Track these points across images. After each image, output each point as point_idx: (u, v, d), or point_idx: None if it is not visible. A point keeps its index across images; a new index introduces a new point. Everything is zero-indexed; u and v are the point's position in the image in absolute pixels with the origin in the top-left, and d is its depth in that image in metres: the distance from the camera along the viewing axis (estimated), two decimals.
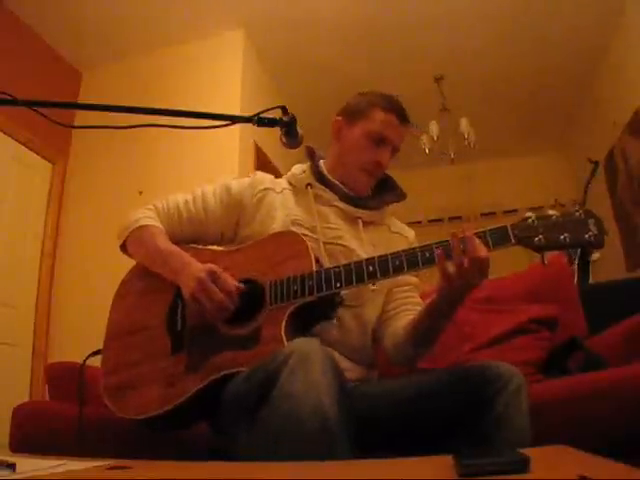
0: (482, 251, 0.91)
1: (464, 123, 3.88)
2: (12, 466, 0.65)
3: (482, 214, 5.07)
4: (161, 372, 1.08)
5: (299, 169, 1.31)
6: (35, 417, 1.43)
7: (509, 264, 2.45)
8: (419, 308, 1.22)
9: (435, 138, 3.94)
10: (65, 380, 1.54)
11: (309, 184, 1.26)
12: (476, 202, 5.03)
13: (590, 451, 0.56)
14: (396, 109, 1.24)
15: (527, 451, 0.52)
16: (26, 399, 2.87)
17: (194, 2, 3.31)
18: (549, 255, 0.96)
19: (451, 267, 0.93)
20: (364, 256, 1.15)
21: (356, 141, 1.24)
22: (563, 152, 5.12)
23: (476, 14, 3.49)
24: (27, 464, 0.70)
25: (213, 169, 3.16)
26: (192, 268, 1.07)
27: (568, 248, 0.93)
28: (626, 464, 0.49)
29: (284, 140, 1.12)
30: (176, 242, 1.20)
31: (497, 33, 3.68)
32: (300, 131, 1.11)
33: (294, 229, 1.16)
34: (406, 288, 1.25)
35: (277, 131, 1.11)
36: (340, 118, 1.29)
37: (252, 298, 1.06)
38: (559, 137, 4.97)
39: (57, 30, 3.43)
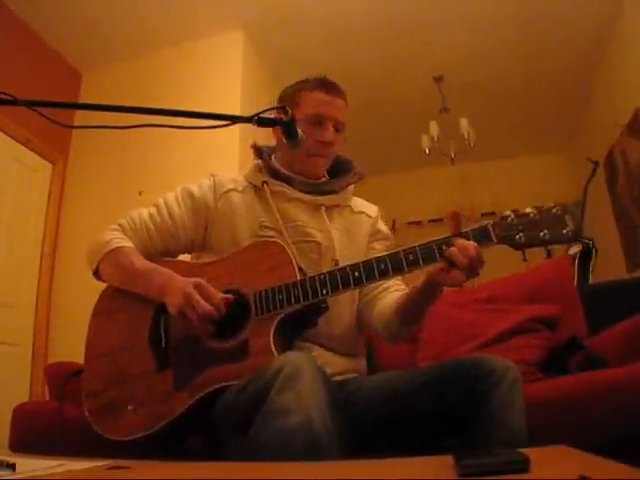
0: (471, 244, 0.94)
1: (464, 123, 3.88)
2: (12, 466, 0.65)
3: (482, 214, 5.06)
4: (146, 391, 1.05)
5: (253, 166, 1.30)
6: (35, 417, 1.43)
7: (509, 264, 2.45)
8: (398, 283, 1.24)
9: (435, 138, 3.95)
10: (65, 380, 1.53)
11: (265, 182, 1.24)
12: (476, 202, 5.03)
13: (590, 451, 0.56)
14: (322, 84, 1.24)
15: (527, 451, 0.52)
16: (26, 399, 2.87)
17: (194, 2, 3.31)
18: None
19: (458, 267, 0.94)
20: (330, 245, 1.17)
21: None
22: (563, 152, 5.12)
23: (476, 15, 3.49)
24: (27, 464, 0.70)
25: (213, 169, 3.11)
26: (178, 283, 1.05)
27: (547, 245, 0.95)
28: (626, 464, 0.49)
29: (284, 140, 1.12)
30: (149, 258, 1.17)
31: (497, 33, 3.68)
32: (300, 131, 1.11)
33: (262, 233, 1.16)
34: None
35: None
36: (275, 113, 1.26)
37: (236, 310, 1.04)
38: (559, 137, 4.97)
39: (57, 30, 3.43)
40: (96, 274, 1.22)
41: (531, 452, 0.52)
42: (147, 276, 1.12)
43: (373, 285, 1.20)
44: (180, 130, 1.03)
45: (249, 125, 1.06)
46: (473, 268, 0.94)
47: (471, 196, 5.02)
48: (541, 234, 0.93)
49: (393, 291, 1.22)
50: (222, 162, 3.20)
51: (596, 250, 2.72)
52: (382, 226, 1.33)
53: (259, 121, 1.05)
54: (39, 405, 1.78)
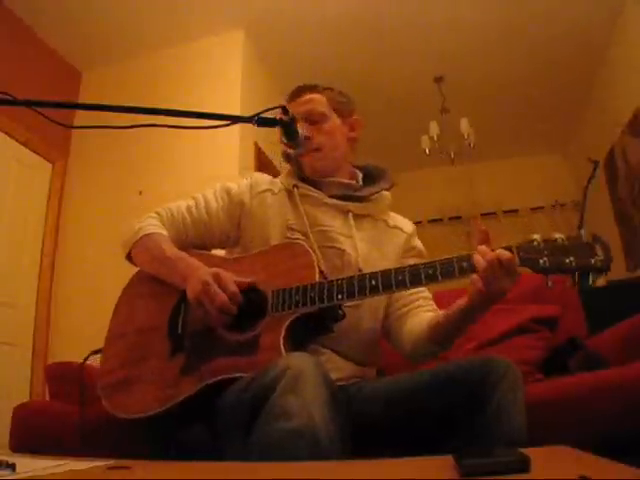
0: (504, 255, 0.91)
1: (464, 123, 3.88)
2: (12, 466, 0.65)
3: (482, 214, 5.07)
4: (158, 373, 1.08)
5: (286, 171, 1.33)
6: (35, 417, 1.43)
7: None
8: (431, 302, 1.22)
9: (435, 138, 3.95)
10: (65, 380, 1.54)
11: (295, 185, 1.26)
12: (476, 202, 5.03)
13: (590, 451, 0.56)
14: (290, 95, 1.30)
15: (527, 451, 0.52)
16: (26, 399, 2.87)
17: (194, 2, 3.31)
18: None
19: (479, 274, 0.93)
20: (354, 254, 1.16)
21: None
22: (563, 152, 5.13)
23: (476, 15, 3.49)
24: (27, 464, 0.70)
25: (213, 169, 3.15)
26: (199, 271, 1.08)
27: (574, 272, 0.90)
28: (626, 464, 0.49)
29: (284, 140, 1.12)
30: (182, 248, 1.20)
31: (497, 34, 3.68)
32: (300, 131, 1.11)
33: (289, 235, 1.18)
34: None
35: (277, 131, 1.11)
36: None
37: (254, 306, 1.06)
38: (559, 137, 4.97)
39: (57, 30, 3.43)
40: (129, 258, 1.25)
41: (531, 452, 0.52)
42: (173, 263, 1.15)
43: (403, 301, 1.22)
44: (180, 130, 1.03)
45: (249, 125, 1.06)
46: (493, 273, 0.91)
47: (471, 196, 5.03)
48: (567, 260, 0.89)
49: (425, 311, 1.20)
50: (222, 162, 3.20)
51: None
52: (417, 243, 1.32)
53: (259, 121, 1.05)
54: (39, 405, 1.78)
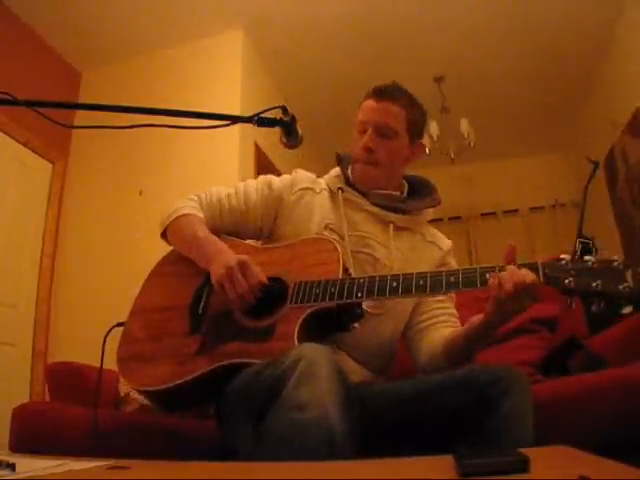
0: (529, 277, 0.90)
1: (464, 123, 3.88)
2: (12, 466, 0.65)
3: (482, 214, 5.07)
4: (174, 350, 1.10)
5: (334, 172, 1.32)
6: (35, 417, 1.43)
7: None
8: (455, 320, 1.22)
9: (435, 138, 3.94)
10: (65, 380, 1.54)
11: (340, 188, 1.26)
12: (476, 202, 5.03)
13: (590, 451, 0.56)
14: (372, 92, 1.23)
15: (527, 451, 0.52)
16: (26, 399, 2.86)
17: (194, 2, 3.31)
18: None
19: (503, 294, 0.90)
20: (388, 265, 1.16)
21: (352, 138, 1.27)
22: (563, 152, 5.12)
23: (476, 15, 3.49)
24: (27, 464, 0.70)
25: (213, 169, 3.16)
26: (225, 256, 1.09)
27: (599, 297, 0.87)
28: (626, 464, 0.49)
29: (284, 140, 1.12)
30: (216, 233, 1.22)
31: (497, 33, 3.68)
32: (300, 131, 1.11)
33: (326, 233, 1.18)
34: (442, 298, 1.23)
35: (277, 131, 1.11)
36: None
37: (276, 296, 1.08)
38: (559, 137, 4.96)
39: (57, 30, 3.43)
40: (164, 236, 1.27)
41: (531, 452, 0.52)
42: (203, 245, 1.16)
43: (428, 315, 1.21)
44: (180, 130, 1.03)
45: (249, 125, 1.06)
46: (516, 295, 0.89)
47: (471, 196, 5.03)
48: (594, 284, 0.86)
49: (447, 326, 1.19)
50: (222, 162, 3.20)
51: (596, 250, 2.72)
52: (452, 260, 1.31)
53: (259, 121, 1.06)
54: (39, 405, 1.78)
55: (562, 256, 0.91)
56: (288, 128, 1.09)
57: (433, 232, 1.33)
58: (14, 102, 0.91)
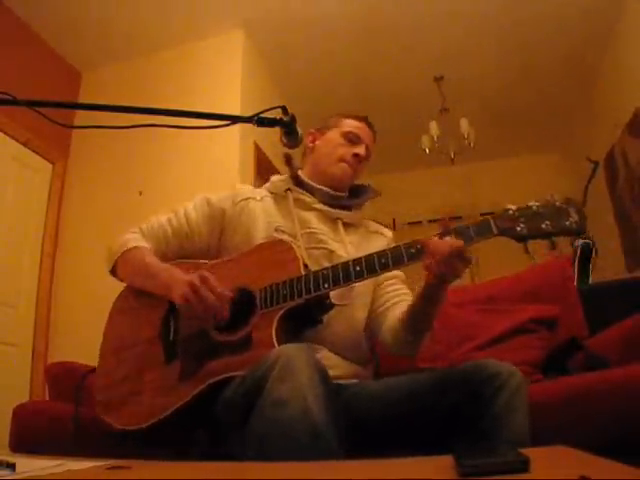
0: (455, 243, 0.96)
1: (464, 123, 3.88)
2: (12, 466, 0.65)
3: (482, 214, 5.05)
4: (155, 382, 1.09)
5: (277, 177, 1.38)
6: (35, 417, 1.43)
7: (509, 264, 2.45)
8: (409, 298, 1.25)
9: (435, 138, 3.95)
10: (65, 380, 1.54)
11: (288, 189, 1.30)
12: (476, 202, 5.02)
13: (590, 451, 0.56)
14: (364, 119, 1.36)
15: (527, 451, 0.52)
16: (26, 399, 2.87)
17: (194, 2, 3.31)
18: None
19: (433, 262, 0.97)
20: (345, 256, 1.18)
21: (332, 141, 1.33)
22: (563, 152, 5.12)
23: (476, 14, 3.49)
24: (27, 464, 0.70)
25: (213, 169, 3.16)
26: (183, 276, 1.09)
27: (551, 236, 0.95)
28: (626, 464, 0.49)
29: (284, 140, 1.12)
30: (165, 259, 1.22)
31: (497, 33, 3.68)
32: (300, 131, 1.11)
33: (276, 235, 1.20)
34: (393, 281, 1.29)
35: (277, 131, 1.12)
36: (313, 130, 1.38)
37: (244, 306, 1.07)
38: (559, 137, 4.96)
39: (57, 30, 3.43)
40: (114, 273, 1.27)
41: (531, 452, 0.52)
42: (156, 274, 1.16)
43: (385, 298, 1.25)
44: (180, 130, 1.03)
45: (249, 125, 1.06)
46: (446, 260, 0.95)
47: (471, 196, 5.02)
48: (543, 225, 0.93)
49: (402, 305, 1.22)
50: (222, 162, 3.20)
51: (596, 250, 2.72)
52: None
53: (259, 121, 1.06)
54: (39, 405, 1.78)
55: (508, 206, 0.98)
56: (288, 128, 1.09)
57: (373, 224, 1.40)
58: (14, 102, 0.91)
